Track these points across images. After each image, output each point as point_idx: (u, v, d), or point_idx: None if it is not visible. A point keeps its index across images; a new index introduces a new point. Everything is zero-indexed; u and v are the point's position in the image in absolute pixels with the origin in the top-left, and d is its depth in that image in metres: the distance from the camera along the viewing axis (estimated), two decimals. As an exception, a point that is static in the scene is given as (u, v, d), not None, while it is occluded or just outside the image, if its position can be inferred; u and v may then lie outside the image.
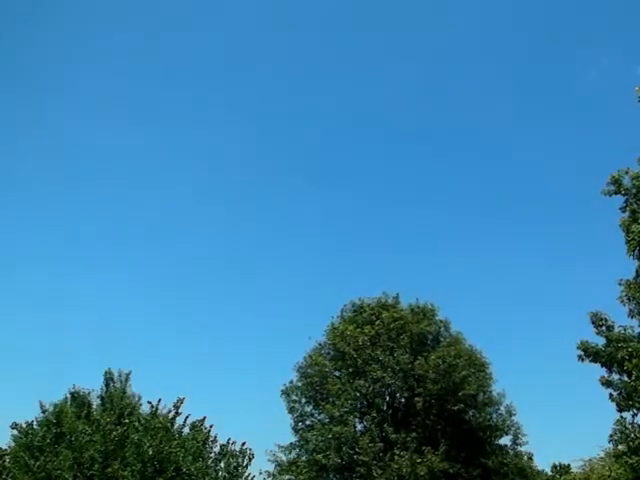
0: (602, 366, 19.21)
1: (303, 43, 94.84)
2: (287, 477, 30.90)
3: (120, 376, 26.89)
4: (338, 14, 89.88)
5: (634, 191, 18.56)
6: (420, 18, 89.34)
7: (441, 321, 33.22)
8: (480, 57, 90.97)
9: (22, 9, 75.80)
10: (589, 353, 19.20)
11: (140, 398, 26.53)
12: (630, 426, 19.00)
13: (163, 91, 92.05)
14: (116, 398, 25.23)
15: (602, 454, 35.47)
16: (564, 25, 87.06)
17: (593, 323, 19.40)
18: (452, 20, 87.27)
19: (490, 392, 32.33)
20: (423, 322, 32.17)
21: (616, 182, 18.83)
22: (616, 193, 18.97)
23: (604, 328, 19.22)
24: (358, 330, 31.91)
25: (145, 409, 24.63)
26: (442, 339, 32.72)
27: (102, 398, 26.48)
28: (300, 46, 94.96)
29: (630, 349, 18.21)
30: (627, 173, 18.78)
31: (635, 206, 18.53)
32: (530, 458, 34.29)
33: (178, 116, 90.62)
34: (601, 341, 19.40)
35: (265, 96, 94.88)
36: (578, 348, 19.37)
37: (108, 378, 26.82)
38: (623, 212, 18.95)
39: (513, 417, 32.09)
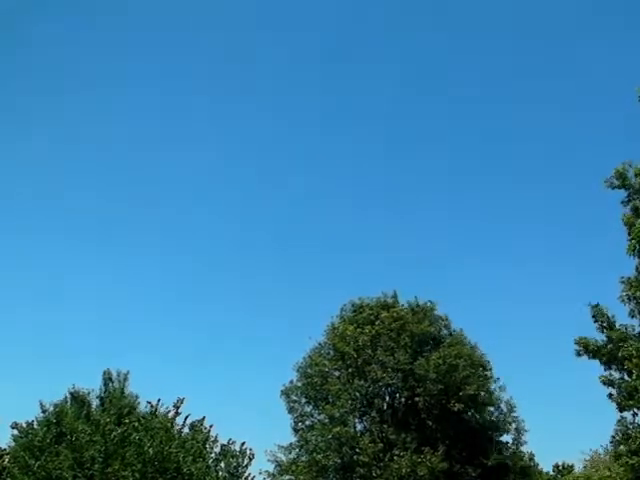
0: (602, 363, 19.25)
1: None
2: (287, 477, 30.93)
3: (119, 376, 26.81)
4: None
5: (637, 187, 18.57)
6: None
7: (441, 318, 33.20)
8: (474, 60, 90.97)
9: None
10: (590, 349, 19.21)
11: (138, 398, 26.48)
12: (631, 426, 19.04)
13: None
14: (115, 398, 25.14)
15: (602, 454, 35.52)
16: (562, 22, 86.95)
17: (594, 317, 19.41)
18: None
19: (491, 391, 32.34)
20: (424, 322, 32.14)
21: (620, 176, 18.84)
22: (620, 187, 18.96)
23: (605, 324, 19.24)
24: (358, 330, 31.92)
25: (144, 409, 24.57)
26: (443, 338, 32.70)
27: (101, 398, 26.39)
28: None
29: (631, 348, 18.24)
30: (631, 166, 18.77)
31: (638, 202, 18.54)
32: (531, 458, 34.33)
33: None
34: (601, 337, 19.45)
35: (262, 99, 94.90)
36: (576, 343, 19.38)
37: (107, 378, 26.71)
38: (625, 206, 18.95)
39: (514, 413, 32.15)
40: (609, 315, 19.25)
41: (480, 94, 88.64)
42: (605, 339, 19.21)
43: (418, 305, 33.29)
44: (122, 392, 25.93)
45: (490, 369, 32.55)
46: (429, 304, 33.35)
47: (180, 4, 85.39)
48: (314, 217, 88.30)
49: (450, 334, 32.99)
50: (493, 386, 32.48)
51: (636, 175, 18.49)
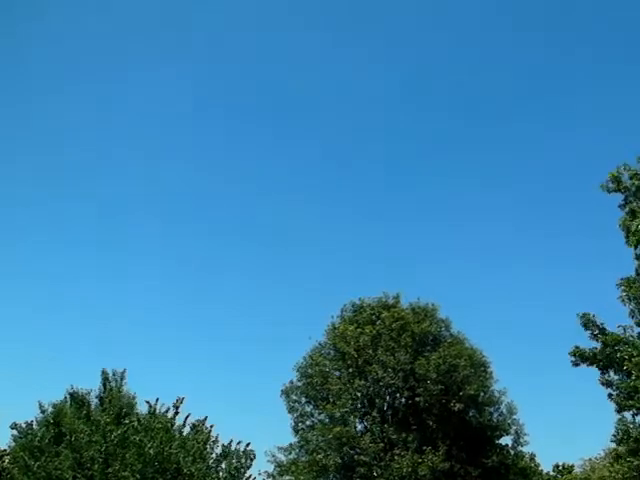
0: (599, 369, 19.18)
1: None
2: (287, 478, 30.90)
3: (115, 375, 26.73)
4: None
5: (633, 189, 18.55)
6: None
7: (442, 321, 33.13)
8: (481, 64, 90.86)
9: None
10: (586, 357, 19.15)
11: (135, 397, 26.40)
12: (631, 426, 18.99)
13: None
14: (113, 398, 25.07)
15: (602, 454, 35.53)
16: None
17: (584, 326, 19.36)
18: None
19: (491, 392, 32.30)
20: (424, 322, 32.07)
21: (616, 180, 18.82)
22: (615, 191, 18.96)
23: (597, 331, 19.18)
24: (358, 330, 31.87)
25: (142, 409, 24.48)
26: (443, 339, 32.64)
27: (100, 398, 26.33)
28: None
29: (630, 349, 18.17)
30: (625, 169, 18.75)
31: (634, 205, 18.52)
32: (532, 458, 34.28)
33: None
34: (595, 344, 19.37)
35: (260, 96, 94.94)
36: (570, 354, 19.32)
37: (104, 378, 26.68)
38: (622, 210, 18.95)
39: (514, 416, 32.12)
40: (598, 323, 19.19)
41: (478, 92, 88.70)
42: (600, 345, 19.13)
43: (420, 306, 33.21)
44: (119, 392, 25.82)
45: (490, 370, 32.53)
46: (431, 306, 33.29)
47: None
48: (314, 217, 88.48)
49: (450, 335, 32.94)
50: (493, 386, 32.48)
51: (631, 177, 18.44)
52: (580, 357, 19.26)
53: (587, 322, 19.32)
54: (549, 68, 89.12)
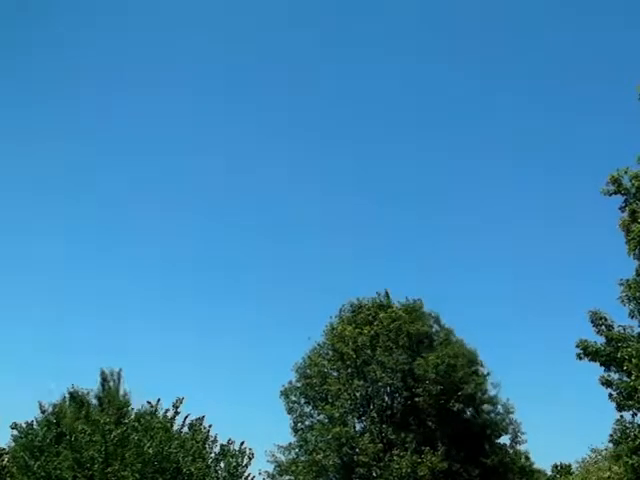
0: (601, 365, 19.20)
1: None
2: (287, 477, 30.94)
3: (112, 375, 26.74)
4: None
5: (633, 191, 18.58)
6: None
7: (430, 315, 33.27)
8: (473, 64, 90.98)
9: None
10: (588, 352, 19.17)
11: (131, 396, 26.40)
12: (630, 426, 19.00)
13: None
14: (112, 398, 25.08)
15: (600, 455, 35.51)
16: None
17: (592, 322, 19.36)
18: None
19: (488, 390, 32.46)
20: (419, 322, 32.22)
21: (615, 182, 18.86)
22: (615, 193, 19.00)
23: (604, 327, 19.19)
24: (357, 330, 31.94)
25: (142, 408, 24.46)
26: (436, 336, 32.80)
27: (99, 398, 26.34)
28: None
29: (630, 349, 18.18)
30: (626, 172, 18.80)
31: (635, 206, 18.55)
32: (527, 457, 34.37)
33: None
34: (600, 340, 19.41)
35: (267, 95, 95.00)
36: (577, 346, 19.34)
37: (103, 378, 26.69)
38: (622, 212, 18.99)
39: (511, 415, 32.24)
40: (607, 317, 19.17)
41: (482, 94, 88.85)
42: (604, 341, 19.14)
43: (410, 305, 33.28)
44: (117, 391, 25.86)
45: (486, 370, 32.69)
46: (418, 302, 33.38)
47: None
48: (314, 217, 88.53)
49: (441, 328, 33.09)
50: (490, 385, 32.65)
51: (632, 179, 18.47)
52: (584, 350, 19.26)
53: (596, 318, 19.30)
54: (552, 69, 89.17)
